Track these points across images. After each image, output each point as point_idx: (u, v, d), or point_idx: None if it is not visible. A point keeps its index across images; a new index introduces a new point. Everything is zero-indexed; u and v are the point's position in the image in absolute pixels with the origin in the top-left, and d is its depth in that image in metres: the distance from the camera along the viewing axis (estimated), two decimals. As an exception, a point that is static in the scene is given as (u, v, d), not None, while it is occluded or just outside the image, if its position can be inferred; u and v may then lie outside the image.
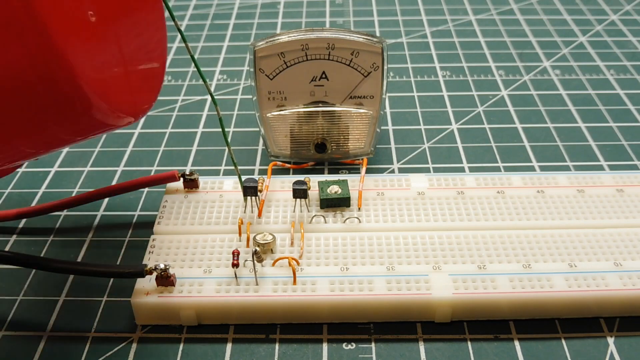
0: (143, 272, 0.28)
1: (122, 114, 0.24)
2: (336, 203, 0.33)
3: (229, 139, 0.41)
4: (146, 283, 0.29)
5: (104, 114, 0.23)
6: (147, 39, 0.27)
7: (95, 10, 0.23)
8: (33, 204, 0.37)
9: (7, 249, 0.34)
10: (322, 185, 0.34)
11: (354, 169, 0.39)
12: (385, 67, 0.35)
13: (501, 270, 0.30)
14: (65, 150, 0.41)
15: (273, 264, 0.30)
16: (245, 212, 0.33)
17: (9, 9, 0.20)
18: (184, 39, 0.28)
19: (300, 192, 0.33)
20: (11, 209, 0.35)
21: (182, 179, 0.35)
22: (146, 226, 0.35)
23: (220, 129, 0.31)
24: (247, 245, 0.31)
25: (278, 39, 0.35)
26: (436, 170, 0.39)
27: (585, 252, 0.31)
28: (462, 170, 0.39)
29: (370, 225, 0.33)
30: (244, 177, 0.33)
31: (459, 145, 0.41)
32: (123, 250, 0.34)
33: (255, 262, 0.29)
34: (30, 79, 0.21)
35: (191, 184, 0.35)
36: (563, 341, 0.29)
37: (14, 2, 0.19)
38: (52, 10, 0.20)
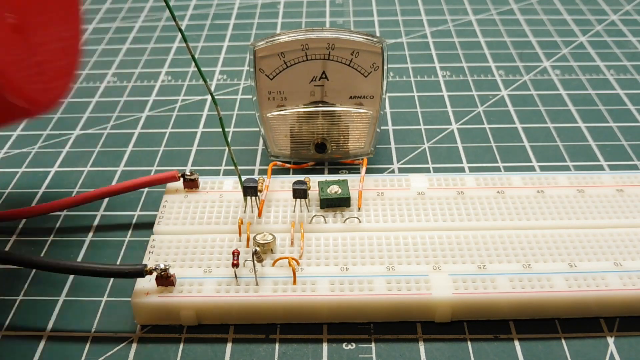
0: (143, 272, 0.28)
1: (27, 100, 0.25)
2: (336, 203, 0.33)
3: (229, 139, 0.41)
4: (146, 283, 0.29)
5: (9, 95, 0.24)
6: (57, 35, 0.29)
7: (12, 11, 0.24)
8: (33, 204, 0.37)
9: (7, 249, 0.34)
10: (322, 185, 0.34)
11: (354, 169, 0.39)
12: (385, 67, 0.35)
13: (501, 270, 0.30)
14: (65, 150, 0.41)
15: (273, 264, 0.30)
16: (245, 212, 0.33)
17: None
18: (184, 39, 0.28)
19: (300, 192, 0.33)
20: (11, 209, 0.35)
21: (182, 179, 0.35)
22: (146, 226, 0.35)
23: (220, 129, 0.31)
24: (247, 245, 0.31)
25: (278, 39, 0.35)
26: (436, 170, 0.39)
27: (585, 252, 0.31)
28: (462, 170, 0.39)
29: (370, 225, 0.33)
30: (244, 177, 0.33)
31: (459, 145, 0.41)
32: (123, 250, 0.34)
33: (255, 262, 0.29)
34: None
35: (191, 184, 0.35)
36: (563, 341, 0.29)
37: None
38: None
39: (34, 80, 0.26)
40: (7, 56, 0.24)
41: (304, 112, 0.37)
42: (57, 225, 0.36)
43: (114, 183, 0.39)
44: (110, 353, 0.28)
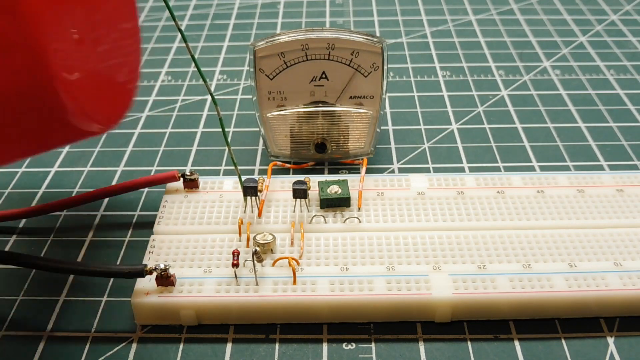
0: (143, 272, 0.28)
1: (94, 121, 0.25)
2: (336, 203, 0.33)
3: (229, 139, 0.41)
4: (146, 283, 0.29)
5: (78, 118, 0.24)
6: (122, 53, 0.28)
7: (78, 28, 0.24)
8: (33, 204, 0.37)
9: (7, 249, 0.34)
10: (322, 185, 0.34)
11: (354, 169, 0.39)
12: (385, 67, 0.35)
13: (501, 270, 0.30)
14: (65, 150, 0.41)
15: (273, 264, 0.30)
16: (245, 212, 0.33)
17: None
18: (184, 39, 0.28)
19: (300, 192, 0.33)
20: (11, 209, 0.35)
21: (182, 179, 0.35)
22: (146, 226, 0.35)
23: (220, 129, 0.31)
24: (247, 245, 0.31)
25: (278, 39, 0.35)
26: (436, 170, 0.39)
27: (585, 252, 0.31)
28: (462, 170, 0.39)
29: (370, 225, 0.33)
30: (244, 177, 0.33)
31: (459, 145, 0.41)
32: (123, 250, 0.34)
33: (255, 262, 0.29)
34: (14, 88, 0.22)
35: (191, 184, 0.35)
36: (563, 341, 0.29)
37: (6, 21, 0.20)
38: (43, 29, 0.21)
39: (93, 97, 0.25)
40: (70, 70, 0.23)
41: (304, 112, 0.37)
42: (57, 225, 0.36)
43: (114, 183, 0.39)
44: (110, 353, 0.28)
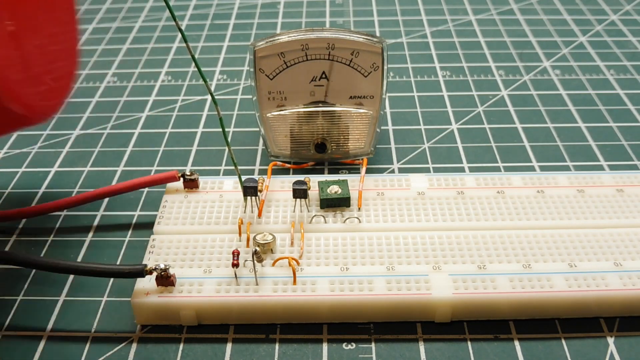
0: (143, 272, 0.28)
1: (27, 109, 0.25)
2: (336, 203, 0.33)
3: (229, 139, 0.41)
4: (146, 283, 0.29)
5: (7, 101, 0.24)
6: (53, 38, 0.29)
7: (11, 19, 0.24)
8: (33, 204, 0.37)
9: (7, 249, 0.34)
10: (322, 185, 0.34)
11: (354, 169, 0.39)
12: (385, 67, 0.35)
13: (501, 270, 0.30)
14: (65, 150, 0.41)
15: (273, 264, 0.30)
16: (245, 212, 0.33)
17: None
18: (184, 39, 0.28)
19: (300, 192, 0.33)
20: (11, 209, 0.35)
21: (182, 179, 0.35)
22: (146, 226, 0.35)
23: (220, 129, 0.31)
24: (247, 245, 0.31)
25: (278, 39, 0.35)
26: (436, 170, 0.39)
27: (585, 252, 0.31)
28: (462, 170, 0.39)
29: (370, 225, 0.33)
30: (244, 177, 0.33)
31: (459, 145, 0.41)
32: (123, 250, 0.34)
33: (255, 262, 0.29)
34: None
35: (191, 184, 0.35)
36: (563, 341, 0.29)
37: None
38: None
39: (32, 85, 0.26)
40: (5, 62, 0.24)
41: (304, 112, 0.37)
42: (57, 225, 0.36)
43: (114, 183, 0.39)
44: (110, 353, 0.28)
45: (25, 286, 0.32)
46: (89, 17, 0.60)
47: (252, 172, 0.39)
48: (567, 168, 0.39)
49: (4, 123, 0.27)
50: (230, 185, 0.35)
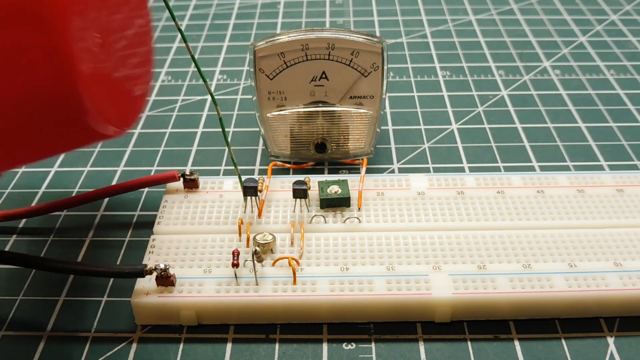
0: (143, 272, 0.28)
1: (110, 124, 0.25)
2: (336, 203, 0.33)
3: (229, 139, 0.41)
4: (146, 283, 0.29)
5: (96, 120, 0.24)
6: (137, 61, 0.28)
7: (101, 33, 0.24)
8: (33, 204, 0.37)
9: (7, 249, 0.34)
10: (322, 185, 0.34)
11: (354, 169, 0.39)
12: (385, 67, 0.35)
13: (501, 270, 0.30)
14: (65, 150, 0.41)
15: (273, 264, 0.30)
16: (245, 212, 0.33)
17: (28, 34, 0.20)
18: (184, 39, 0.28)
19: (300, 192, 0.33)
20: (11, 209, 0.35)
21: (182, 179, 0.35)
22: (146, 226, 0.35)
23: (220, 129, 0.31)
24: (247, 245, 0.31)
25: (278, 39, 0.35)
26: (436, 170, 0.39)
27: (585, 252, 0.31)
28: (462, 170, 0.39)
29: (370, 225, 0.33)
30: (244, 177, 0.33)
31: (459, 145, 0.41)
32: (123, 250, 0.34)
33: (255, 262, 0.29)
34: (37, 93, 0.22)
35: (191, 184, 0.35)
36: (563, 341, 0.29)
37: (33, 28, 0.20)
38: (69, 33, 0.21)
39: (116, 103, 0.25)
40: (93, 79, 0.23)
41: (304, 112, 0.37)
42: (57, 225, 0.36)
43: (114, 183, 0.39)
44: (110, 353, 0.28)
45: (25, 286, 0.32)
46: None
47: (252, 172, 0.39)
48: (567, 168, 0.39)
49: (86, 139, 0.26)
50: (230, 185, 0.35)
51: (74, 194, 0.38)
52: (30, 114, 0.22)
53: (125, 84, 0.27)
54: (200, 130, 0.43)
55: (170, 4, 0.31)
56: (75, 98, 0.22)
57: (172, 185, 0.35)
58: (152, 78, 0.30)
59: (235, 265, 0.29)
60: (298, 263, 0.30)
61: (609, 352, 0.28)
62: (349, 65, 0.35)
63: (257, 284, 0.29)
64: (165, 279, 0.29)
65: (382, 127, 0.42)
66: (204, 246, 0.31)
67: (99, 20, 0.24)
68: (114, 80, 0.26)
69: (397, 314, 0.29)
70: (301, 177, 0.34)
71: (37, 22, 0.20)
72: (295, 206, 0.34)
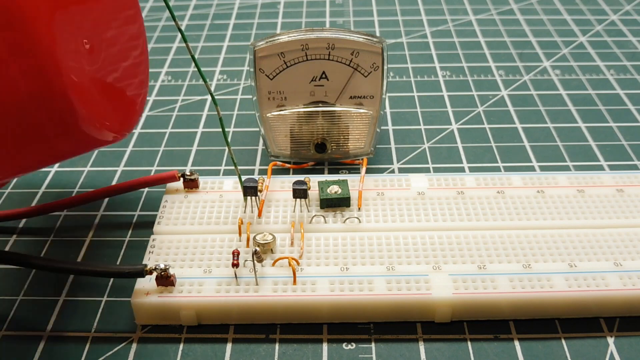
0: (143, 272, 0.28)
1: (105, 129, 0.25)
2: (336, 203, 0.33)
3: (229, 139, 0.41)
4: (146, 283, 0.29)
5: (90, 126, 0.24)
6: (130, 65, 0.28)
7: (89, 39, 0.24)
8: (33, 204, 0.37)
9: (7, 249, 0.34)
10: (322, 185, 0.34)
11: (354, 169, 0.39)
12: (385, 67, 0.35)
13: (501, 270, 0.30)
14: (65, 150, 0.41)
15: (273, 264, 0.30)
16: (245, 212, 0.33)
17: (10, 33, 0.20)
18: (184, 39, 0.28)
19: (300, 192, 0.33)
20: (11, 209, 0.35)
21: (182, 179, 0.35)
22: (146, 226, 0.35)
23: (220, 129, 0.31)
24: (247, 245, 0.31)
25: (278, 39, 0.35)
26: (436, 170, 0.39)
27: (585, 252, 0.31)
28: (462, 170, 0.39)
29: (370, 225, 0.33)
30: (244, 177, 0.33)
31: (459, 145, 0.41)
32: (123, 250, 0.34)
33: (255, 262, 0.29)
34: (25, 97, 0.22)
35: (191, 184, 0.35)
36: (563, 341, 0.29)
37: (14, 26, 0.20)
38: (53, 38, 0.21)
39: (109, 108, 0.25)
40: (83, 85, 0.23)
41: (304, 112, 0.37)
42: (57, 225, 0.36)
43: (114, 183, 0.39)
44: (110, 353, 0.28)
45: (25, 286, 0.32)
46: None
47: (252, 172, 0.39)
48: (567, 168, 0.39)
49: (84, 146, 0.26)
50: (230, 185, 0.35)
51: (74, 194, 0.38)
52: (24, 120, 0.22)
53: (120, 88, 0.27)
54: (200, 130, 0.43)
55: (170, 4, 0.31)
56: (66, 104, 0.22)
57: (172, 185, 0.35)
58: (147, 81, 0.30)
59: (235, 265, 0.29)
60: (298, 263, 0.30)
61: (609, 352, 0.28)
62: (349, 65, 0.35)
63: (257, 284, 0.29)
64: (165, 279, 0.29)
65: (382, 127, 0.42)
66: (204, 246, 0.31)
67: (87, 26, 0.24)
68: (107, 85, 0.25)
69: (397, 314, 0.29)
70: (301, 177, 0.34)
71: (18, 28, 0.20)
72: (295, 206, 0.34)
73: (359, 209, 0.33)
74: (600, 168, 0.39)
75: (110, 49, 0.26)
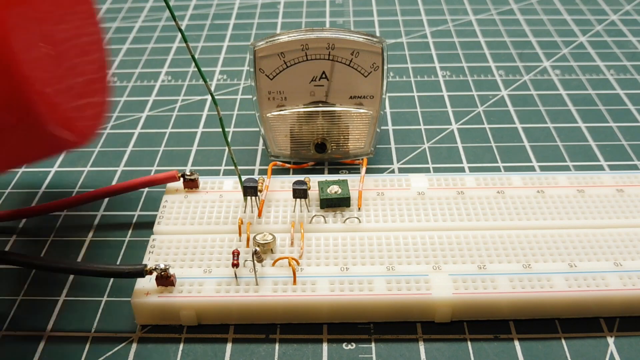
0: (143, 272, 0.28)
1: (69, 131, 0.25)
2: (336, 203, 0.33)
3: (229, 139, 0.41)
4: (146, 283, 0.29)
5: (54, 128, 0.24)
6: (90, 69, 0.29)
7: (45, 41, 0.24)
8: (33, 204, 0.37)
9: (7, 249, 0.34)
10: (322, 185, 0.34)
11: (354, 169, 0.39)
12: (385, 67, 0.35)
13: (501, 270, 0.30)
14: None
15: (273, 264, 0.30)
16: (245, 212, 0.33)
17: None
18: (184, 39, 0.28)
19: (300, 192, 0.33)
20: (11, 209, 0.35)
21: (182, 179, 0.35)
22: (146, 226, 0.35)
23: (220, 129, 0.31)
24: (247, 245, 0.31)
25: (278, 39, 0.35)
26: (436, 170, 0.39)
27: (585, 252, 0.31)
28: (462, 170, 0.39)
29: (370, 225, 0.33)
30: (244, 177, 0.33)
31: (459, 145, 0.41)
32: (123, 250, 0.34)
33: (255, 262, 0.29)
34: None
35: (191, 184, 0.35)
36: (563, 341, 0.29)
37: None
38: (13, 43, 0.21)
39: (73, 108, 0.26)
40: (46, 86, 0.23)
41: (304, 112, 0.37)
42: (57, 225, 0.36)
43: (114, 183, 0.39)
44: (110, 353, 0.28)
45: (25, 286, 0.32)
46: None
47: (252, 172, 0.39)
48: (567, 168, 0.39)
49: (51, 149, 0.27)
50: (230, 185, 0.35)
51: (74, 194, 0.38)
52: None
53: (82, 89, 0.27)
54: (200, 130, 0.43)
55: (170, 4, 0.32)
56: (28, 103, 0.22)
57: (172, 185, 0.35)
58: (109, 82, 0.30)
59: (235, 265, 0.29)
60: (298, 263, 0.30)
61: (609, 352, 0.28)
62: (349, 65, 0.35)
63: (257, 284, 0.29)
64: (165, 279, 0.29)
65: (382, 127, 0.42)
66: (204, 246, 0.31)
67: (44, 29, 0.24)
68: (69, 86, 0.26)
69: (397, 314, 0.29)
70: (301, 177, 0.34)
71: None
72: (295, 206, 0.34)
73: (359, 209, 0.33)
74: (600, 168, 0.39)
75: (71, 52, 0.26)
